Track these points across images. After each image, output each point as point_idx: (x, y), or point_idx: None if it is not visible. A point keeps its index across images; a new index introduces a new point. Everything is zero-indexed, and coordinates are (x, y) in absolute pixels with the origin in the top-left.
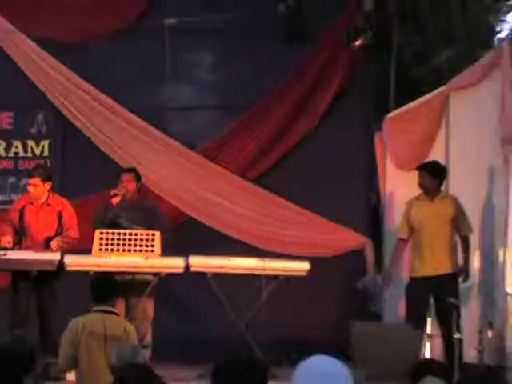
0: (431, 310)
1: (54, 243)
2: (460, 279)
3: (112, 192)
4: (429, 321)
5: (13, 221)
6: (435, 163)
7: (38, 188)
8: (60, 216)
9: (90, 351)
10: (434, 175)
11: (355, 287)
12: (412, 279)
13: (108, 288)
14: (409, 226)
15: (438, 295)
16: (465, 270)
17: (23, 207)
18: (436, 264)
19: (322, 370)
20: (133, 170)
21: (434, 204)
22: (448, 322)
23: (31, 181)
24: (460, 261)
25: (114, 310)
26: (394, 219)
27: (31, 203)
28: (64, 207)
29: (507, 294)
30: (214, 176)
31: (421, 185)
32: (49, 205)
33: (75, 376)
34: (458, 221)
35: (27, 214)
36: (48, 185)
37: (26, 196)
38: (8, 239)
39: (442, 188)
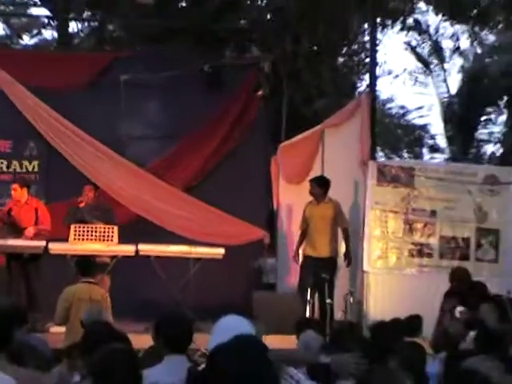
0: (311, 283)
1: (28, 230)
2: (345, 263)
3: (79, 199)
4: (309, 291)
5: (3, 216)
6: (322, 177)
7: (17, 192)
8: (36, 212)
9: (78, 311)
10: (320, 186)
11: (253, 266)
12: (305, 257)
13: (90, 265)
14: (305, 223)
15: (318, 272)
16: (348, 256)
17: (10, 208)
18: (320, 249)
19: (233, 324)
20: (92, 184)
21: (319, 207)
22: (322, 291)
23: (13, 186)
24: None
25: (94, 281)
26: (284, 218)
27: (15, 204)
28: (39, 206)
29: (364, 271)
30: (159, 187)
31: (311, 193)
32: (27, 204)
33: (66, 328)
34: (338, 219)
35: (13, 212)
36: (25, 190)
37: (13, 199)
38: None
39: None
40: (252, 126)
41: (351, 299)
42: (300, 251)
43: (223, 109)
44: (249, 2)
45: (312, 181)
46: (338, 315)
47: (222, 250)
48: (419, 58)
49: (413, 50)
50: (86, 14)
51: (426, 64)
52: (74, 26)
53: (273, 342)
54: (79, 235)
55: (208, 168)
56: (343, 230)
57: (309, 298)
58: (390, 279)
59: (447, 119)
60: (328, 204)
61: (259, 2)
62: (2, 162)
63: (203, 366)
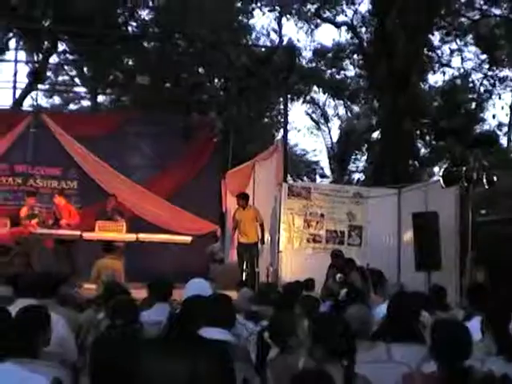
0: (247, 257)
1: (62, 221)
2: (259, 244)
3: (107, 205)
4: (244, 263)
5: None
6: (244, 194)
7: (56, 198)
8: (70, 212)
9: (103, 275)
10: (244, 198)
11: (210, 249)
12: (239, 243)
13: (110, 247)
14: (235, 222)
15: (248, 251)
16: (262, 240)
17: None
18: (249, 237)
19: (198, 284)
20: (113, 195)
21: (245, 211)
22: (252, 263)
23: (56, 196)
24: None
25: (114, 256)
26: (229, 218)
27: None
28: (70, 209)
29: (279, 251)
30: (150, 198)
31: (238, 203)
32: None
33: (95, 286)
34: (258, 218)
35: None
36: (62, 198)
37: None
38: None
39: (250, 203)
40: (210, 160)
41: (271, 269)
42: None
43: (191, 149)
44: (209, 84)
45: (239, 196)
46: (263, 279)
47: (189, 238)
48: (313, 119)
49: (307, 115)
50: (108, 90)
51: (317, 123)
52: (101, 98)
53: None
54: (102, 228)
55: (182, 184)
56: (260, 225)
57: (244, 267)
58: (295, 256)
59: (331, 157)
60: (251, 209)
61: (215, 84)
62: (55, 182)
63: (178, 310)
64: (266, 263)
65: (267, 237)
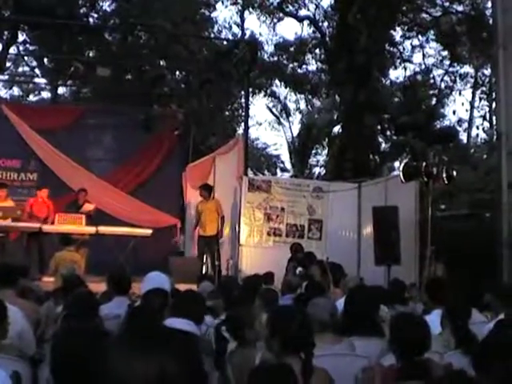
0: (207, 250)
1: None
2: (221, 238)
3: (80, 197)
4: (204, 256)
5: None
6: (207, 185)
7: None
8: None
9: (61, 268)
10: (207, 190)
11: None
12: (200, 236)
13: (69, 240)
14: (198, 214)
15: (208, 244)
16: (220, 233)
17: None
18: (209, 230)
19: (155, 277)
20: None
21: (208, 203)
22: (213, 256)
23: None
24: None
25: (73, 249)
26: (190, 210)
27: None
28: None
29: (239, 245)
30: (111, 191)
31: (201, 194)
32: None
33: (54, 278)
34: (218, 211)
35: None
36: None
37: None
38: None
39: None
40: (170, 153)
41: (231, 262)
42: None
43: (152, 142)
44: (170, 77)
45: (201, 187)
46: (223, 272)
47: (150, 231)
48: (274, 113)
49: (268, 108)
50: (69, 82)
51: (278, 117)
52: (61, 90)
53: (181, 288)
54: (62, 220)
55: (142, 178)
56: (221, 218)
57: (204, 261)
58: (255, 250)
59: (292, 151)
60: (213, 201)
61: (177, 76)
62: (15, 174)
63: (138, 303)
64: (226, 256)
65: (227, 230)
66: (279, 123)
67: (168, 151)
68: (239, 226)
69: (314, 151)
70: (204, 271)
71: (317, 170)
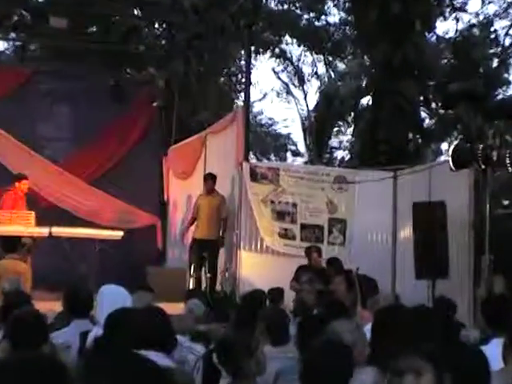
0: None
1: None
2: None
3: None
4: (192, 266)
5: None
6: (212, 174)
7: None
8: None
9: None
10: (211, 179)
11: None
12: (193, 239)
13: (13, 244)
14: (196, 210)
15: (206, 250)
16: (222, 240)
17: None
18: (207, 232)
19: (113, 293)
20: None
21: (209, 198)
22: (211, 266)
23: None
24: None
25: (18, 257)
26: (172, 208)
27: None
28: None
29: (239, 250)
30: (69, 181)
31: (206, 185)
32: None
33: None
34: (221, 209)
35: None
36: None
37: None
38: None
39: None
40: (147, 132)
41: (227, 274)
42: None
43: (123, 116)
44: (147, 30)
45: (208, 176)
46: (217, 287)
47: (120, 233)
48: (283, 80)
49: (276, 73)
50: (11, 35)
51: (289, 85)
52: (1, 45)
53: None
54: (4, 219)
55: (110, 164)
56: (223, 219)
57: (192, 272)
58: (260, 257)
59: (306, 130)
60: (217, 196)
61: (155, 30)
62: None
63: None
64: (221, 266)
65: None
66: (290, 93)
67: (144, 129)
68: (239, 226)
69: (335, 129)
70: (192, 285)
71: (339, 154)
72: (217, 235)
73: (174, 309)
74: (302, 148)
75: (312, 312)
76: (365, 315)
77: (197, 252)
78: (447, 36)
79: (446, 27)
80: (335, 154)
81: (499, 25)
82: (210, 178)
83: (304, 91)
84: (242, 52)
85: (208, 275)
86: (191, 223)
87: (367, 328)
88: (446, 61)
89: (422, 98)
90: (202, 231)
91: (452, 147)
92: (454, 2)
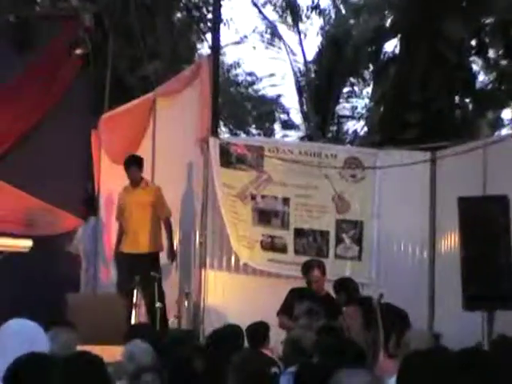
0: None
1: None
2: (168, 260)
3: None
4: (135, 292)
5: None
6: (137, 156)
7: None
8: None
9: None
10: (136, 165)
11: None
12: (121, 254)
13: None
14: (120, 212)
15: (139, 269)
16: (171, 250)
17: None
18: (137, 244)
19: (20, 330)
20: None
21: (136, 192)
22: (151, 293)
23: None
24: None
25: None
26: (105, 204)
27: None
28: None
29: (204, 269)
30: None
31: (130, 176)
32: None
33: None
34: (158, 207)
35: None
36: None
37: None
38: None
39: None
40: (68, 92)
41: (185, 303)
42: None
43: (30, 70)
44: None
45: (128, 162)
46: (172, 321)
47: (29, 242)
48: (268, 19)
49: (258, 8)
50: None
51: (277, 25)
52: None
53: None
54: None
55: (10, 142)
56: (164, 220)
57: (135, 300)
58: (235, 277)
59: (303, 90)
60: (147, 189)
61: None
62: None
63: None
64: (174, 291)
65: (176, 244)
66: (279, 36)
67: (62, 89)
68: (203, 233)
69: (346, 90)
70: (134, 319)
71: (351, 127)
72: (153, 247)
73: (107, 354)
74: (296, 117)
75: (311, 359)
76: (388, 364)
77: (127, 271)
78: None
79: None
80: (345, 127)
81: None
82: (132, 164)
83: (300, 33)
84: None
85: (158, 305)
86: (120, 233)
87: (392, 381)
88: None
89: (473, 43)
90: (130, 242)
91: None
92: None
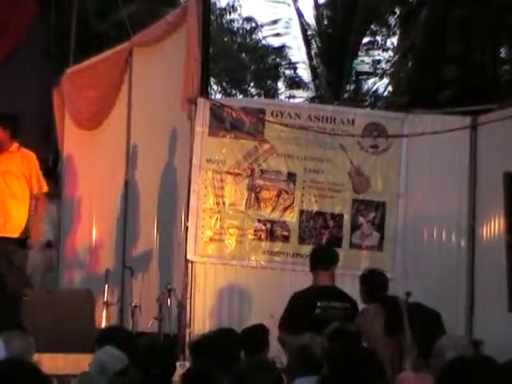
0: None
1: None
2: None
3: None
4: (106, 287)
5: None
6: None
7: None
8: None
9: None
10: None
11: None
12: None
13: None
14: None
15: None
16: (32, 232)
17: None
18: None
19: None
20: None
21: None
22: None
23: None
24: None
25: None
26: (70, 177)
27: None
28: None
29: (188, 261)
30: None
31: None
32: None
33: None
34: (32, 178)
35: None
36: None
37: None
38: None
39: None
40: (22, 42)
41: (169, 301)
42: None
43: None
44: None
45: None
46: (149, 325)
47: None
48: None
49: None
50: None
51: None
52: None
53: (50, 363)
54: None
55: None
56: (37, 198)
57: (105, 298)
58: (227, 272)
59: (313, 40)
60: (15, 154)
61: None
62: None
63: None
64: (152, 288)
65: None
66: None
67: (14, 36)
68: (186, 218)
69: (365, 40)
70: (106, 321)
71: (372, 86)
72: (21, 228)
73: (71, 364)
74: (304, 74)
75: (320, 369)
76: (418, 377)
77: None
78: None
79: None
80: (365, 86)
81: None
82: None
83: None
84: None
85: (133, 304)
86: None
87: None
88: None
89: None
90: None
91: None
92: None
